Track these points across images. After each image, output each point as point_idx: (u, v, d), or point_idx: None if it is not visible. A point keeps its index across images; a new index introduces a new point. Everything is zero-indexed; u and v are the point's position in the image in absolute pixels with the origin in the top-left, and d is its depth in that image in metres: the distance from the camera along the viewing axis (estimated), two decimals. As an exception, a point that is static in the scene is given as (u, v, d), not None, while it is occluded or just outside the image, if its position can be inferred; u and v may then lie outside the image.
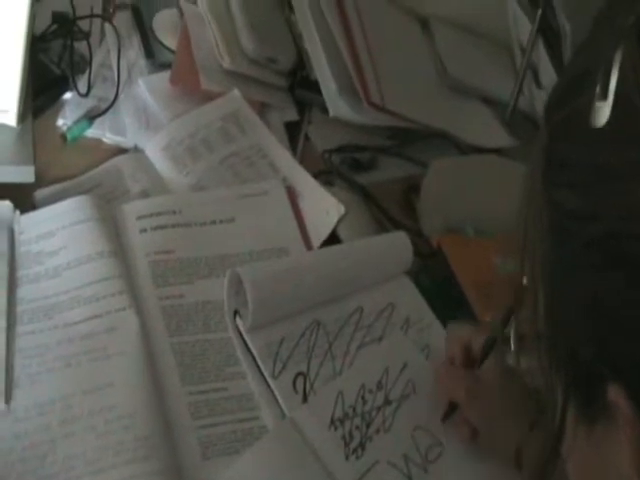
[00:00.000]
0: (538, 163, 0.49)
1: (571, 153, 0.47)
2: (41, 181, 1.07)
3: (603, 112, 0.44)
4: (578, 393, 0.49)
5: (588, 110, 0.45)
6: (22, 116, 1.06)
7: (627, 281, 0.43)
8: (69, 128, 1.15)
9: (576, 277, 0.46)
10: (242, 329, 0.94)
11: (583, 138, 0.46)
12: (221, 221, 1.06)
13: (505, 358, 0.88)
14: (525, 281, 0.52)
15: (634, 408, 0.44)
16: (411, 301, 1.04)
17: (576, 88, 0.48)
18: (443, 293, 1.08)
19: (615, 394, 0.44)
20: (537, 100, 1.35)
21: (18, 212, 1.00)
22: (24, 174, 1.00)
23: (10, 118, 1.05)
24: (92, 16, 1.25)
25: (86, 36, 1.22)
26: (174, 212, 1.04)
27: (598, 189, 0.44)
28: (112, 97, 1.19)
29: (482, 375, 0.89)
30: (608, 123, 0.44)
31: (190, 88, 1.22)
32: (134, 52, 1.26)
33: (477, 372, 0.89)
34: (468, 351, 0.92)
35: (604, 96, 0.44)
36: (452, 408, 0.92)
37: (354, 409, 0.92)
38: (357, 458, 0.88)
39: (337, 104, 1.21)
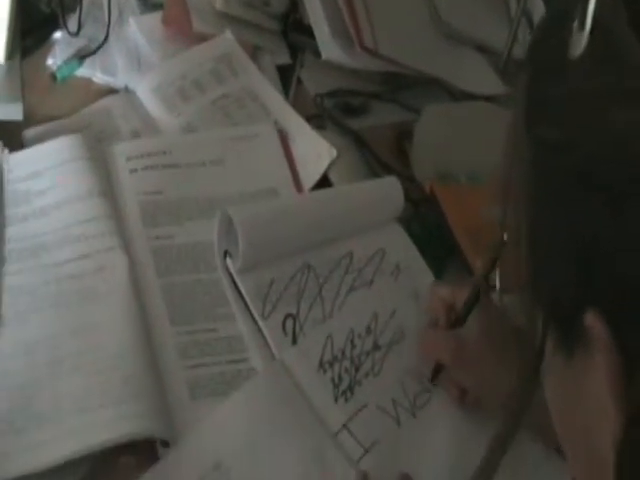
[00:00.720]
0: (521, 102, 0.50)
1: (551, 86, 0.47)
2: (30, 120, 1.06)
3: (580, 42, 0.45)
4: (557, 322, 0.49)
5: (567, 43, 0.45)
6: (10, 54, 1.04)
7: (606, 207, 0.43)
8: (59, 67, 1.13)
9: (557, 208, 0.47)
10: (232, 270, 0.93)
11: (562, 70, 0.47)
12: (211, 162, 1.05)
13: (490, 309, 0.88)
14: (508, 221, 0.53)
15: (610, 333, 0.44)
16: (402, 247, 1.04)
17: (557, 24, 0.48)
18: (434, 240, 1.07)
19: (592, 319, 0.45)
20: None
21: (7, 151, 0.99)
22: (12, 111, 0.99)
23: (-2, 55, 1.04)
24: (82, -47, 1.22)
25: (76, -26, 1.20)
26: (164, 153, 1.03)
27: (576, 117, 0.45)
28: (103, 37, 1.17)
29: (466, 333, 0.88)
30: (585, 52, 0.45)
31: (182, 29, 1.20)
32: (125, -9, 1.23)
33: (461, 331, 0.89)
34: (450, 311, 0.91)
35: (582, 26, 0.45)
36: (438, 369, 0.91)
37: (343, 352, 0.92)
38: (346, 401, 0.88)
39: (330, 47, 1.20)
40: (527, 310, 0.52)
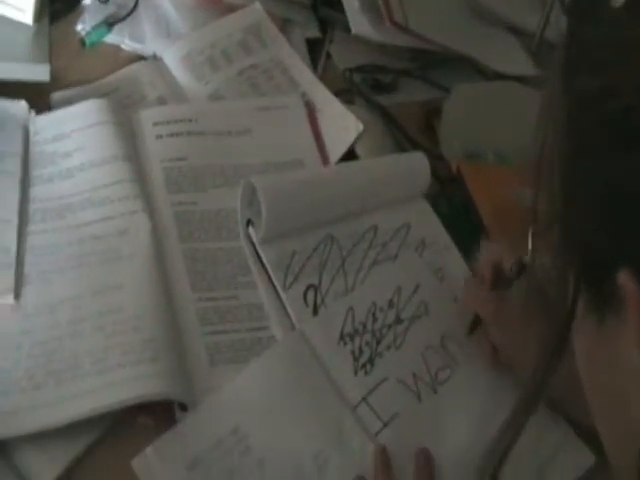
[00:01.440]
0: (559, 57, 0.49)
1: (590, 35, 0.47)
2: (58, 85, 1.06)
3: None
4: (589, 282, 0.49)
5: None
6: (38, 15, 1.05)
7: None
8: (88, 33, 1.13)
9: (593, 160, 0.46)
10: (255, 239, 0.93)
11: (602, 19, 0.46)
12: (237, 132, 1.05)
13: (534, 281, 0.86)
14: (542, 173, 0.52)
15: None
16: (427, 223, 1.03)
17: None
18: (460, 219, 1.06)
19: (625, 278, 0.44)
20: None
21: (33, 112, 0.99)
22: (39, 72, 0.99)
23: (27, 17, 1.04)
24: None
25: (108, -60, 1.20)
26: (190, 120, 1.03)
27: (616, 65, 0.44)
28: (132, 4, 1.17)
29: (508, 295, 0.87)
30: (627, 2, 0.44)
31: (212, -1, 1.20)
32: (156, -42, 1.23)
33: (505, 294, 0.88)
34: (498, 271, 0.90)
35: None
36: (476, 323, 0.91)
37: (364, 326, 0.91)
38: (366, 374, 0.88)
39: (359, 22, 1.19)
40: (559, 270, 0.51)
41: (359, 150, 1.07)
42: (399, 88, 1.22)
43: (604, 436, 0.53)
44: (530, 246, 0.67)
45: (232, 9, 1.19)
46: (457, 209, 1.07)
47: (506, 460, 0.61)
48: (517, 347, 0.87)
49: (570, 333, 0.52)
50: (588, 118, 0.46)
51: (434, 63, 1.25)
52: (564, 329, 0.52)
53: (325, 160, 1.06)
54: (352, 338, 0.89)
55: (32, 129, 0.98)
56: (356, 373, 0.87)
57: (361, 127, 1.07)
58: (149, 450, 0.77)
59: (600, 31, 0.46)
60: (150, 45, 1.14)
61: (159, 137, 1.00)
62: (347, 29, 1.22)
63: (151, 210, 0.93)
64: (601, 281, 0.46)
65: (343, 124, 1.08)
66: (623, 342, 0.46)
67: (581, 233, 0.48)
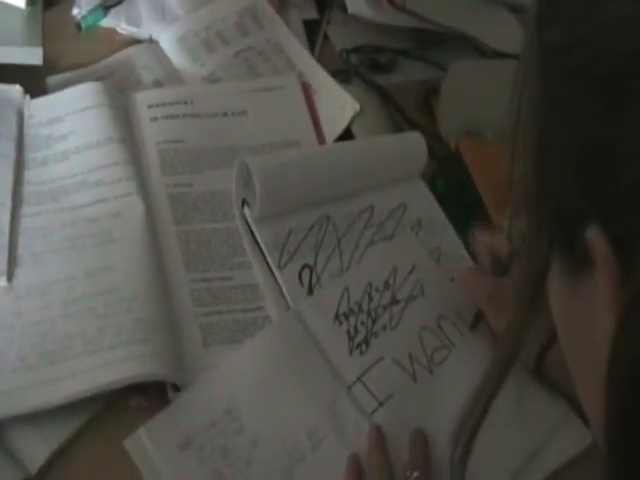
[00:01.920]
0: (531, 11, 0.49)
1: None
2: (55, 69, 1.07)
3: None
4: (562, 240, 0.48)
5: None
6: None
7: (611, 106, 0.42)
8: (84, 17, 1.14)
9: (562, 111, 0.45)
10: (249, 219, 0.92)
11: None
12: (233, 113, 1.04)
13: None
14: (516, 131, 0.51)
15: (611, 248, 0.43)
16: (424, 203, 1.03)
17: None
18: (457, 199, 1.06)
19: (594, 234, 0.44)
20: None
21: (28, 96, 1.00)
22: (32, 56, 0.99)
23: (19, 0, 1.03)
24: None
25: None
26: (185, 102, 1.03)
27: (583, 12, 0.43)
28: (128, -13, 1.17)
29: (506, 280, 0.87)
30: None
31: (207, -19, 1.19)
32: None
33: (502, 280, 0.87)
34: (495, 256, 0.89)
35: None
36: (478, 317, 0.91)
37: (360, 306, 0.90)
38: (361, 353, 0.87)
39: (356, 2, 1.19)
40: (533, 229, 0.51)
41: (356, 130, 1.07)
42: (397, 68, 1.21)
43: (582, 396, 0.53)
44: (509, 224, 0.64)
45: (228, -9, 1.19)
46: (454, 189, 1.06)
47: (479, 428, 0.60)
48: None
49: (543, 290, 0.52)
50: (557, 69, 0.45)
51: (432, 42, 1.24)
52: (537, 285, 0.52)
53: (322, 141, 1.05)
54: (347, 318, 0.89)
55: (27, 112, 0.98)
56: (351, 353, 0.87)
57: (357, 107, 1.07)
58: (141, 430, 0.77)
59: None
60: (146, 28, 1.14)
61: (154, 119, 1.00)
62: (344, 9, 1.21)
63: (145, 192, 0.93)
64: (573, 239, 0.46)
65: (339, 104, 1.07)
66: (595, 302, 0.45)
67: (553, 189, 0.48)
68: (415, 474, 0.79)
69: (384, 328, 0.90)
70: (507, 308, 0.83)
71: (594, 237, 0.44)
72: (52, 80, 1.04)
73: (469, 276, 0.92)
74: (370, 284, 0.92)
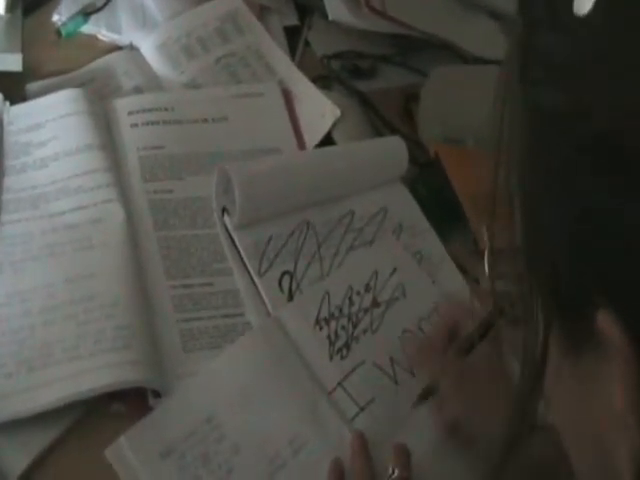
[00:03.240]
0: (514, 58, 0.43)
1: (553, 44, 0.41)
2: (34, 75, 1.06)
3: None
4: (562, 319, 0.44)
5: None
6: (11, 6, 1.04)
7: (626, 185, 0.37)
8: (64, 24, 1.13)
9: (563, 185, 0.41)
10: (229, 226, 0.92)
11: (566, 27, 0.40)
12: (213, 119, 1.04)
13: (501, 344, 0.81)
14: (500, 191, 0.46)
15: (628, 338, 0.38)
16: (404, 207, 1.03)
17: None
18: (439, 202, 1.06)
19: (605, 321, 0.39)
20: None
21: (8, 103, 0.99)
22: (12, 62, 0.99)
23: (-2, 7, 1.03)
24: None
25: None
26: (166, 109, 1.03)
27: (587, 83, 0.39)
28: (108, -6, 1.17)
29: (471, 361, 0.82)
30: (595, 8, 0.38)
31: (188, -13, 1.19)
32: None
33: (465, 359, 0.83)
34: (453, 334, 0.86)
35: None
36: (428, 392, 0.85)
37: (340, 310, 0.91)
38: (342, 358, 0.87)
39: (337, 8, 1.19)
40: (525, 301, 0.45)
41: (337, 136, 1.07)
42: (378, 74, 1.22)
43: (581, 476, 0.47)
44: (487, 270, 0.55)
45: (209, -2, 1.19)
46: (435, 193, 1.06)
47: None
48: (478, 415, 0.81)
49: (543, 378, 0.46)
50: (554, 136, 0.41)
51: (413, 48, 1.25)
52: (536, 377, 0.46)
53: (302, 147, 1.05)
54: (328, 322, 0.89)
55: (6, 119, 0.98)
56: (332, 358, 0.87)
57: (338, 113, 1.07)
58: (122, 439, 0.77)
59: (563, 40, 0.40)
60: (127, 35, 1.14)
61: (134, 126, 1.00)
62: (325, 16, 1.21)
63: (126, 199, 0.93)
64: (576, 321, 0.42)
65: (320, 110, 1.07)
66: (603, 388, 0.41)
67: (549, 265, 0.43)
68: (396, 472, 0.78)
69: (365, 332, 0.90)
70: (475, 389, 0.81)
71: (606, 324, 0.39)
72: (32, 87, 1.03)
73: (429, 352, 0.87)
74: (351, 287, 0.93)
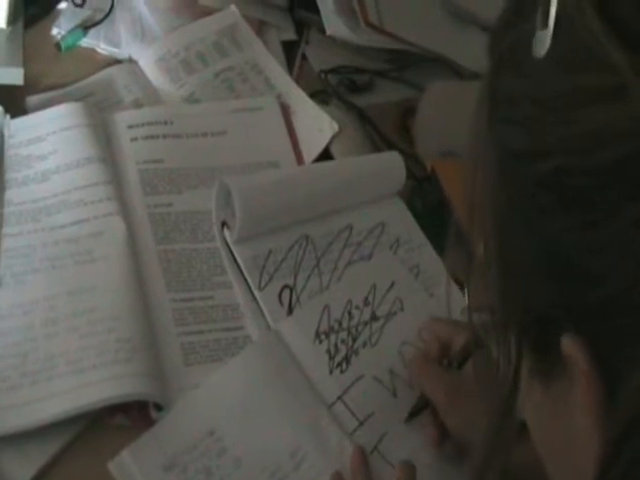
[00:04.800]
0: (483, 99, 0.45)
1: (514, 86, 0.43)
2: (34, 89, 1.06)
3: (544, 41, 0.40)
4: (532, 346, 0.46)
5: (530, 39, 0.41)
6: (12, 20, 1.05)
7: (583, 221, 0.39)
8: (63, 37, 1.13)
9: (528, 221, 0.42)
10: (229, 240, 0.93)
11: (526, 69, 0.42)
12: (212, 134, 1.05)
13: (485, 361, 0.82)
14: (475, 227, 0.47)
15: (589, 359, 0.41)
16: (402, 221, 1.04)
17: (520, 13, 0.44)
18: (436, 217, 1.07)
19: (569, 346, 0.41)
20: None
21: (8, 116, 1.00)
22: (13, 76, 0.99)
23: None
24: None
25: (82, -56, 1.20)
26: (165, 123, 1.03)
27: (544, 123, 0.40)
28: (107, 8, 1.17)
29: (463, 374, 0.83)
30: (550, 51, 0.40)
31: (187, 2, 1.20)
32: (131, -38, 1.23)
33: (457, 372, 0.84)
34: (446, 349, 0.87)
35: (545, 24, 0.40)
36: (421, 406, 0.86)
37: (340, 323, 0.91)
38: (341, 372, 0.88)
39: (334, 23, 1.20)
40: (498, 332, 0.48)
41: (334, 151, 1.08)
42: (375, 89, 1.22)
43: None
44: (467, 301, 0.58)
45: (208, 12, 1.19)
46: (432, 207, 1.07)
47: None
48: (474, 430, 0.80)
49: (516, 402, 0.48)
50: (517, 174, 0.42)
51: (410, 64, 1.25)
52: (509, 398, 0.48)
53: (300, 161, 1.06)
54: (328, 336, 0.90)
55: (7, 133, 0.98)
56: (331, 372, 0.88)
57: (336, 127, 1.08)
58: (125, 452, 0.77)
59: (523, 82, 0.42)
60: (126, 48, 1.14)
61: (134, 139, 1.01)
62: (323, 31, 1.22)
63: (126, 212, 0.93)
64: (544, 347, 0.44)
65: (318, 125, 1.08)
66: (572, 408, 0.43)
67: (520, 297, 0.45)
68: None
69: (364, 345, 0.91)
70: (466, 403, 0.81)
71: (570, 348, 0.41)
72: (32, 100, 1.04)
73: (422, 367, 0.87)
74: (350, 301, 0.93)
